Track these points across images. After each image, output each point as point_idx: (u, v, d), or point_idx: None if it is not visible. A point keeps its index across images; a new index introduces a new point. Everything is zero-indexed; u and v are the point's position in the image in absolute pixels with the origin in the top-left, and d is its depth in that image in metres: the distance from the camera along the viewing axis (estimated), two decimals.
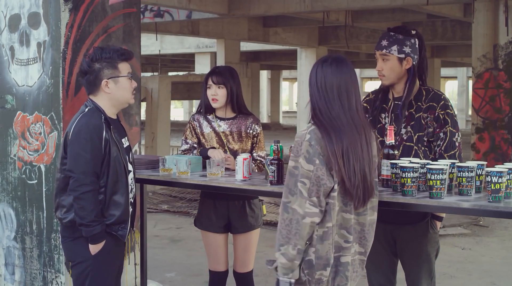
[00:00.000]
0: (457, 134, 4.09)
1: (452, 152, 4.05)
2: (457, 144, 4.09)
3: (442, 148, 4.06)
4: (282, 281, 3.20)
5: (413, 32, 4.17)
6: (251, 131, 4.78)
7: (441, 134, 4.07)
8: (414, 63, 4.13)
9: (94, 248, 3.89)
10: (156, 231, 9.42)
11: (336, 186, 3.21)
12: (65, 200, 3.87)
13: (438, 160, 3.78)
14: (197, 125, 4.81)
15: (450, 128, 4.07)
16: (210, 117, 4.80)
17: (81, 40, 4.77)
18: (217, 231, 4.78)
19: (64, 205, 3.88)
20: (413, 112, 4.12)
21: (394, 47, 4.11)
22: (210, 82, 4.76)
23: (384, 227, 4.08)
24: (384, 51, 4.13)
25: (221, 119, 4.81)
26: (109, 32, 4.93)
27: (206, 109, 4.83)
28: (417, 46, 4.16)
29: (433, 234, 4.23)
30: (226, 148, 4.70)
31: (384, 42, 4.15)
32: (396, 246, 4.23)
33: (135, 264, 5.15)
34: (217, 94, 4.74)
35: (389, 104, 4.21)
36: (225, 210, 4.73)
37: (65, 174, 3.83)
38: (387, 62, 4.14)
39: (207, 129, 4.78)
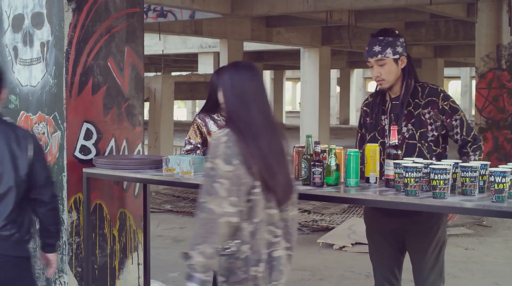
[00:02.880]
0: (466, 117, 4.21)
1: (473, 133, 4.18)
2: (472, 125, 4.22)
3: (464, 133, 4.16)
4: (197, 278, 3.21)
5: (397, 32, 4.27)
6: None
7: (454, 122, 4.16)
8: (407, 59, 4.23)
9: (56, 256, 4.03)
10: (159, 231, 9.42)
11: (257, 184, 3.27)
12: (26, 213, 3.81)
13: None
14: (203, 124, 4.81)
15: (462, 113, 4.18)
16: (215, 115, 4.81)
17: (84, 40, 4.77)
18: None
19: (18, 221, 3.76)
20: (412, 110, 4.17)
21: (388, 50, 4.17)
22: None
23: (391, 222, 4.18)
24: (379, 56, 4.18)
25: None
26: (112, 32, 4.93)
27: (211, 108, 4.82)
28: (404, 44, 4.25)
29: (442, 225, 4.22)
30: None
31: (377, 48, 4.19)
32: (404, 241, 4.27)
33: (138, 264, 5.15)
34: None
35: (387, 105, 4.26)
36: None
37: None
38: (384, 66, 4.19)
39: (213, 128, 4.79)
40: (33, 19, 4.88)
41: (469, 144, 4.18)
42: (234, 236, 3.31)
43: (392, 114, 4.19)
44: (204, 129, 4.82)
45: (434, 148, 4.17)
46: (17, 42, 4.99)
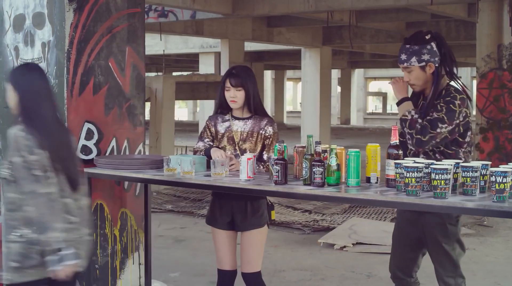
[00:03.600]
0: (445, 124, 4.15)
1: (428, 135, 4.14)
2: (438, 130, 4.14)
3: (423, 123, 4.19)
4: (67, 254, 3.63)
5: (428, 37, 4.35)
6: (263, 132, 4.78)
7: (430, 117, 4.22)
8: (436, 65, 4.32)
9: None
10: (160, 231, 9.42)
11: (52, 175, 3.65)
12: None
13: (443, 160, 3.80)
14: (212, 124, 4.84)
15: (440, 114, 4.17)
16: (226, 116, 4.83)
17: (85, 40, 4.77)
18: (221, 228, 4.77)
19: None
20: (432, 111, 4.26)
21: (413, 59, 4.31)
22: (228, 84, 4.75)
23: (413, 215, 4.34)
24: (405, 64, 4.35)
25: (237, 118, 4.82)
26: (114, 32, 4.93)
27: (223, 109, 4.86)
28: (435, 49, 4.33)
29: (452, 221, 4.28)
30: (237, 147, 4.70)
31: (403, 56, 4.36)
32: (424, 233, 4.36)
33: (139, 264, 5.15)
34: (236, 96, 4.75)
35: (419, 105, 4.40)
36: (229, 207, 4.73)
37: None
38: (411, 72, 4.35)
39: (221, 129, 4.81)
40: (34, 19, 4.88)
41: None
42: (29, 224, 3.66)
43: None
44: (213, 129, 4.84)
45: (446, 150, 4.23)
46: (18, 42, 4.99)
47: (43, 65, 4.80)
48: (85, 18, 4.77)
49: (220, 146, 4.73)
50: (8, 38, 5.06)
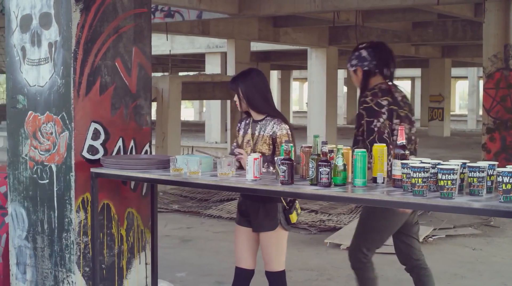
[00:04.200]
0: (375, 120, 4.80)
1: (371, 137, 4.74)
2: (375, 129, 4.77)
3: (365, 136, 4.79)
4: None
5: (362, 45, 5.16)
6: (271, 134, 4.82)
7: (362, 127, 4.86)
8: (364, 69, 5.07)
9: None
10: (167, 230, 9.43)
11: None
12: None
13: (449, 161, 3.81)
14: (237, 129, 5.03)
15: (366, 118, 4.81)
16: (247, 120, 4.96)
17: (92, 40, 4.78)
18: (239, 223, 4.94)
19: None
20: None
21: (348, 65, 5.17)
22: None
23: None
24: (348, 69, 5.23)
25: (255, 121, 4.93)
26: (120, 32, 4.94)
27: (247, 113, 5.01)
28: (365, 55, 5.08)
29: None
30: (255, 150, 4.77)
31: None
32: None
33: (146, 263, 5.16)
34: (236, 100, 4.93)
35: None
36: (245, 207, 4.87)
37: None
38: (351, 75, 5.19)
39: (242, 132, 4.94)
40: (41, 19, 4.89)
41: None
42: None
43: None
44: (237, 134, 5.01)
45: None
46: (25, 42, 5.00)
47: (49, 65, 4.81)
48: (91, 18, 4.78)
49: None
50: (15, 38, 5.07)
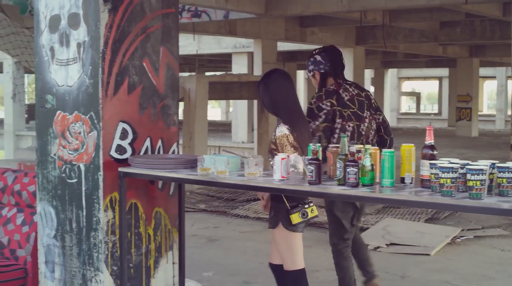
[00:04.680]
0: (311, 122, 5.44)
1: None
2: (310, 130, 5.29)
3: None
4: None
5: (315, 51, 5.80)
6: (272, 137, 5.05)
7: None
8: (321, 71, 5.68)
9: None
10: (194, 230, 9.45)
11: None
12: None
13: (478, 161, 3.80)
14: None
15: (307, 118, 5.38)
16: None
17: (120, 40, 4.80)
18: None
19: None
20: None
21: (306, 71, 5.82)
22: None
23: None
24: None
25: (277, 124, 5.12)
26: (148, 33, 4.95)
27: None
28: (319, 59, 5.72)
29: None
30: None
31: None
32: None
33: (173, 263, 5.17)
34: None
35: None
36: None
37: None
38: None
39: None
40: (70, 19, 4.91)
41: None
42: None
43: None
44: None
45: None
46: (53, 42, 5.03)
47: (78, 65, 4.84)
48: (119, 18, 4.80)
49: None
50: (44, 39, 5.10)
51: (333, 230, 5.86)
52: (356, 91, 5.68)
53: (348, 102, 5.56)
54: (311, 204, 4.98)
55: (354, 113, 5.56)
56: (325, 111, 5.47)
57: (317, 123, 5.43)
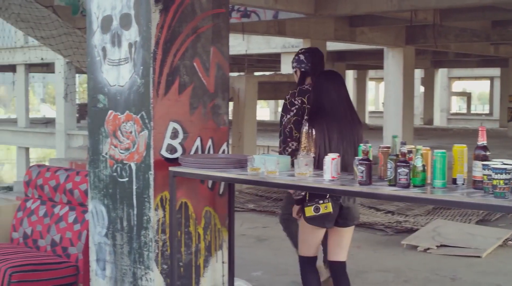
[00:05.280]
0: (284, 116, 6.02)
1: (280, 128, 6.04)
2: (283, 122, 6.01)
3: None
4: None
5: (301, 51, 6.37)
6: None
7: None
8: (302, 70, 6.23)
9: None
10: (243, 230, 9.48)
11: None
12: None
13: None
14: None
15: (281, 112, 6.07)
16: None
17: (171, 40, 4.82)
18: None
19: None
20: None
21: (291, 67, 6.41)
22: None
23: None
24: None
25: None
26: (199, 33, 4.98)
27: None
28: (302, 58, 6.26)
29: None
30: None
31: None
32: None
33: (223, 262, 5.19)
34: None
35: None
36: None
37: None
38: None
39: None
40: (121, 20, 4.96)
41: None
42: None
43: None
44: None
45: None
46: (105, 42, 5.08)
47: (129, 65, 4.88)
48: (170, 18, 4.83)
49: None
50: (96, 39, 5.16)
51: (283, 205, 6.90)
52: None
53: None
54: (326, 201, 5.03)
55: None
56: (296, 106, 6.01)
57: (288, 116, 6.00)
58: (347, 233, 5.31)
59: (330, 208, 5.03)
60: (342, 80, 5.39)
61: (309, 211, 5.07)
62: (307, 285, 5.39)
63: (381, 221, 9.99)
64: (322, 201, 5.03)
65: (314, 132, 5.07)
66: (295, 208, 5.36)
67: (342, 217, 5.19)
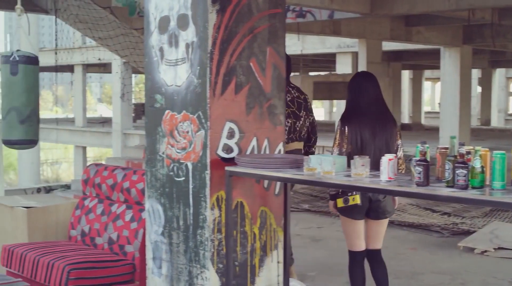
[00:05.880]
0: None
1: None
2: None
3: None
4: None
5: None
6: None
7: None
8: None
9: None
10: (298, 230, 9.47)
11: None
12: None
13: None
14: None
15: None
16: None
17: (227, 40, 4.84)
18: None
19: None
20: None
21: None
22: None
23: None
24: None
25: None
26: (255, 33, 4.99)
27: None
28: None
29: None
30: None
31: None
32: None
33: (278, 262, 5.19)
34: None
35: None
36: None
37: None
38: None
39: None
40: (179, 20, 5.00)
41: None
42: None
43: None
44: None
45: None
46: (163, 43, 5.12)
47: (186, 65, 4.92)
48: (227, 19, 4.85)
49: None
50: (154, 39, 5.20)
51: None
52: (296, 94, 6.60)
53: (289, 102, 6.45)
54: (354, 194, 5.54)
55: (293, 112, 6.51)
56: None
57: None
58: (379, 225, 5.75)
59: (357, 200, 5.53)
60: (377, 81, 5.78)
61: (340, 202, 5.64)
62: (351, 278, 5.80)
63: (437, 223, 9.90)
64: (350, 194, 5.56)
65: (347, 129, 5.60)
66: (331, 203, 5.78)
67: (373, 210, 5.65)
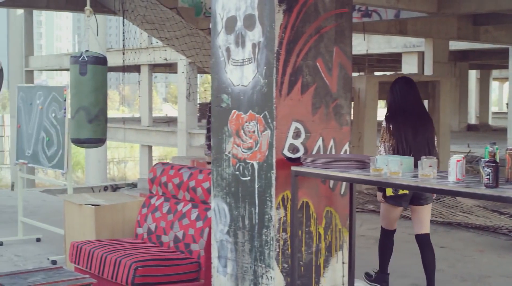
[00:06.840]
0: None
1: None
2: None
3: None
4: None
5: None
6: None
7: None
8: None
9: None
10: (362, 230, 9.42)
11: None
12: None
13: None
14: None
15: None
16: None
17: (294, 40, 4.85)
18: None
19: None
20: None
21: None
22: None
23: None
24: None
25: None
26: (322, 33, 4.98)
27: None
28: None
29: None
30: None
31: None
32: None
33: (343, 262, 5.18)
34: None
35: None
36: None
37: None
38: None
39: None
40: (245, 21, 5.02)
41: None
42: None
43: None
44: None
45: None
46: (229, 43, 5.15)
47: (253, 65, 4.93)
48: (294, 19, 4.85)
49: None
50: (220, 40, 5.24)
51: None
52: None
53: None
54: None
55: None
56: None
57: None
58: (424, 210, 6.37)
59: (406, 190, 6.00)
60: (416, 85, 6.47)
61: (389, 191, 6.23)
62: (382, 250, 6.62)
63: (504, 225, 9.73)
64: None
65: (392, 127, 6.22)
66: (379, 194, 6.36)
67: (416, 197, 6.28)
